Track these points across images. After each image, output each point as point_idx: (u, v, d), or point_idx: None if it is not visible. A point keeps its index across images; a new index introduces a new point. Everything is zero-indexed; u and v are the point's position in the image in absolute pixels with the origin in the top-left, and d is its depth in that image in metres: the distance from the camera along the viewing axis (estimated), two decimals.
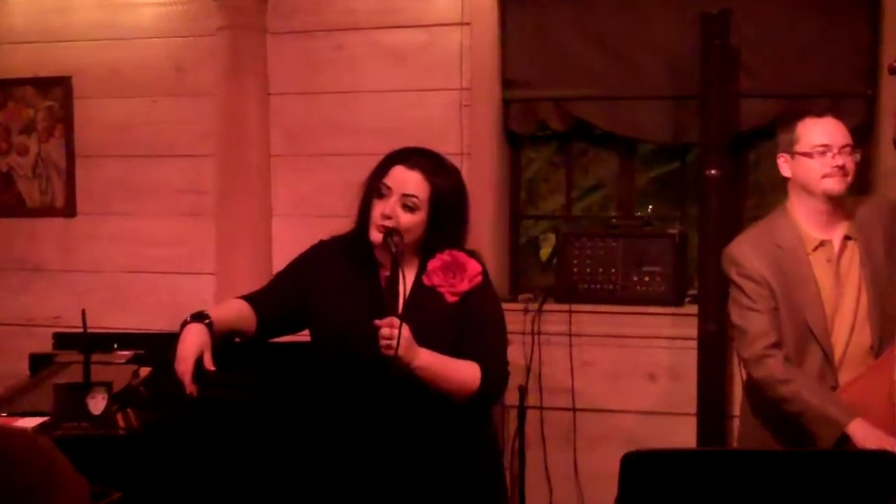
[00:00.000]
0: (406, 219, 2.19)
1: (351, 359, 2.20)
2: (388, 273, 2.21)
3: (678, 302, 3.59)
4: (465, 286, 2.24)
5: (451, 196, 2.24)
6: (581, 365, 3.64)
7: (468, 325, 2.23)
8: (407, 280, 2.19)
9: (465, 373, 2.19)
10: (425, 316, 2.20)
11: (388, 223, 2.19)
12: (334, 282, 2.28)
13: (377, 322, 2.09)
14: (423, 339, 2.16)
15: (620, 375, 3.62)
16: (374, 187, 2.23)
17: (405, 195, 2.19)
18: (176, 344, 2.11)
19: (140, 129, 4.03)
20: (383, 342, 2.07)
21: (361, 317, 2.15)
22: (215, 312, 2.19)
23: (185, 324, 2.13)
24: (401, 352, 2.07)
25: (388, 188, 2.20)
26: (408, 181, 2.20)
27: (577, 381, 3.64)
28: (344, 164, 3.76)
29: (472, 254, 2.31)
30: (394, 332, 2.05)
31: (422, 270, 2.27)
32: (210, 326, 2.13)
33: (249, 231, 3.89)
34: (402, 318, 2.08)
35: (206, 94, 3.91)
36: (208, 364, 2.08)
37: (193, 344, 2.08)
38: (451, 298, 2.24)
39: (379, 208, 2.20)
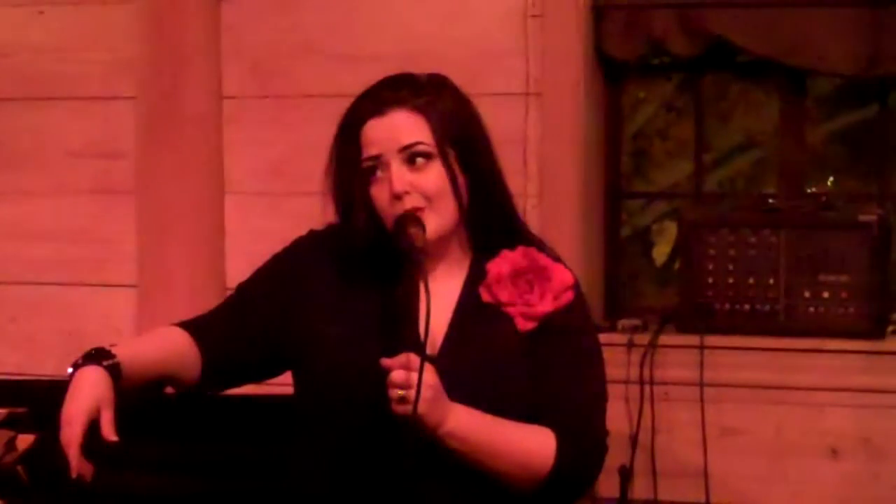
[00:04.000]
0: (428, 178, 2.21)
1: (353, 419, 2.21)
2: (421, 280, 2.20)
3: (878, 332, 3.58)
4: (547, 306, 2.25)
5: (461, 116, 2.27)
6: (720, 433, 3.63)
7: (545, 369, 2.23)
8: (449, 291, 2.21)
9: (528, 446, 2.20)
10: (478, 352, 2.21)
11: (408, 204, 2.19)
12: (337, 298, 2.29)
13: (385, 362, 2.10)
14: (469, 390, 2.16)
15: (784, 451, 3.60)
16: (350, 173, 2.25)
17: (403, 148, 2.21)
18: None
19: (17, 55, 4.05)
20: (394, 393, 2.08)
21: (370, 353, 2.16)
22: (128, 349, 2.20)
23: (75, 367, 2.13)
24: (422, 409, 2.07)
25: (376, 157, 2.22)
26: (394, 129, 2.23)
27: (714, 459, 3.62)
28: (341, 112, 3.74)
29: (555, 255, 2.32)
30: (410, 379, 2.06)
31: (475, 277, 2.28)
32: (114, 371, 2.13)
33: (190, 218, 3.91)
34: (431, 356, 2.09)
35: (122, 0, 3.92)
36: (107, 431, 2.07)
37: (85, 399, 2.08)
38: (524, 325, 2.25)
39: (382, 194, 2.22)
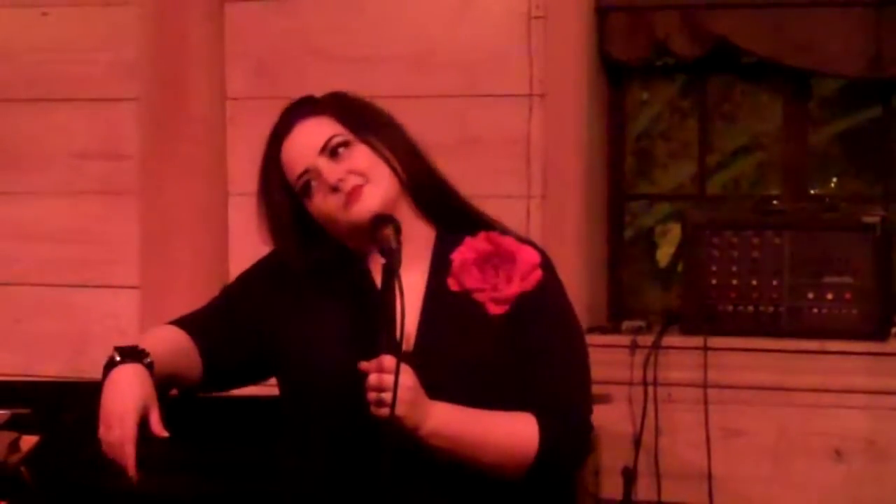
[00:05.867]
0: (355, 159, 2.24)
1: (334, 423, 2.22)
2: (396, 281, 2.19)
3: (881, 334, 3.58)
4: (514, 287, 2.25)
5: (365, 108, 2.33)
6: (724, 435, 3.63)
7: (523, 352, 2.23)
8: (414, 285, 2.20)
9: (510, 435, 2.20)
10: (453, 343, 2.22)
11: (346, 188, 2.20)
12: (314, 304, 2.30)
13: (363, 365, 2.10)
14: (448, 383, 2.17)
15: (787, 453, 3.60)
16: (286, 203, 2.30)
17: (321, 149, 2.24)
18: (94, 397, 2.10)
19: (21, 57, 4.06)
20: (372, 397, 2.08)
21: (348, 357, 2.16)
22: (153, 349, 2.19)
23: (112, 364, 2.12)
24: (401, 411, 2.07)
25: (304, 172, 2.25)
26: (305, 138, 2.27)
27: (718, 461, 3.62)
28: None
29: (520, 237, 2.33)
30: (386, 381, 2.06)
31: (439, 268, 2.28)
32: (151, 369, 2.12)
33: (194, 219, 3.92)
34: (406, 356, 2.09)
35: (126, 2, 3.93)
36: (157, 428, 2.07)
37: (133, 397, 2.07)
38: (494, 309, 2.25)
39: (324, 197, 2.23)
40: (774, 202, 3.75)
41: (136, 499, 2.56)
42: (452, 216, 2.31)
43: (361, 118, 2.29)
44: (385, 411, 2.05)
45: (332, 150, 2.23)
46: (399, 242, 2.16)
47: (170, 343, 2.29)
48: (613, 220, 3.97)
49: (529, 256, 2.27)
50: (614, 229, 3.97)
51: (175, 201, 3.90)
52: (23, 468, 2.57)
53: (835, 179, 4.26)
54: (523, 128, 3.70)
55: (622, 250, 4.01)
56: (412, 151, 2.31)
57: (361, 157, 2.24)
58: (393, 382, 2.04)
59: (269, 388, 2.47)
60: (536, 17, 3.70)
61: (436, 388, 2.14)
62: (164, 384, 2.23)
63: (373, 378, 2.07)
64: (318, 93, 3.77)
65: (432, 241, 2.31)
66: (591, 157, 3.80)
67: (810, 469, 3.58)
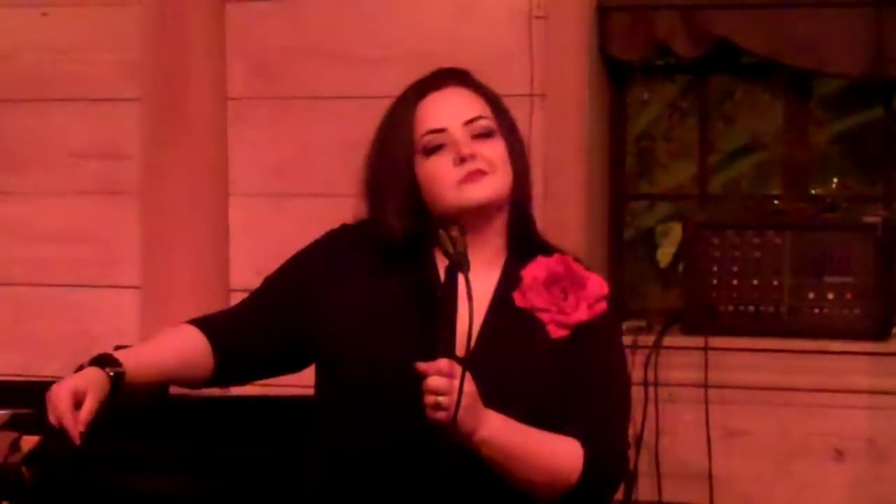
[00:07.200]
0: (492, 149, 2.23)
1: (381, 420, 2.20)
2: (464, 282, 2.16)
3: (882, 334, 3.59)
4: (581, 314, 2.25)
5: (508, 110, 2.34)
6: (725, 435, 3.63)
7: (574, 378, 2.23)
8: (482, 293, 2.18)
9: (557, 456, 2.20)
10: (511, 357, 2.21)
11: (471, 167, 2.19)
12: (369, 292, 2.28)
13: (422, 367, 2.07)
14: (500, 395, 2.15)
15: (788, 453, 3.61)
16: (402, 151, 2.25)
17: (467, 122, 2.23)
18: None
19: (21, 56, 4.06)
20: (430, 400, 2.06)
21: (402, 353, 2.15)
22: (137, 355, 2.20)
23: (78, 370, 2.13)
24: (458, 416, 2.05)
25: (440, 131, 2.23)
26: (455, 102, 2.26)
27: (719, 461, 3.63)
28: (346, 113, 3.74)
29: (588, 265, 2.33)
30: (449, 386, 2.04)
31: (508, 281, 2.27)
32: (116, 379, 2.12)
33: (194, 219, 3.91)
34: (467, 362, 2.06)
35: (127, 2, 3.94)
36: (81, 418, 2.05)
37: (70, 381, 2.07)
38: (556, 332, 2.24)
39: (444, 163, 2.21)
40: (775, 202, 3.76)
41: (137, 498, 2.56)
42: (530, 241, 2.31)
43: (510, 122, 2.32)
44: (442, 415, 2.04)
45: (477, 130, 2.24)
46: (465, 246, 2.15)
47: (168, 347, 2.29)
48: (614, 220, 3.98)
49: (599, 286, 2.27)
50: (615, 229, 3.98)
51: (176, 201, 3.90)
52: (24, 468, 2.56)
53: (835, 179, 4.26)
54: (524, 128, 3.61)
55: (623, 250, 4.02)
56: (528, 174, 2.32)
57: (498, 150, 2.24)
58: (453, 387, 2.02)
59: (275, 387, 2.47)
60: (537, 17, 3.70)
61: (486, 399, 2.12)
62: (159, 385, 2.25)
63: (436, 381, 2.04)
64: (320, 93, 3.82)
65: (505, 253, 2.30)
66: (591, 156, 3.80)
67: (811, 469, 3.59)
